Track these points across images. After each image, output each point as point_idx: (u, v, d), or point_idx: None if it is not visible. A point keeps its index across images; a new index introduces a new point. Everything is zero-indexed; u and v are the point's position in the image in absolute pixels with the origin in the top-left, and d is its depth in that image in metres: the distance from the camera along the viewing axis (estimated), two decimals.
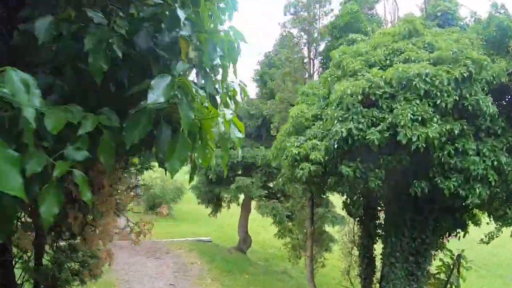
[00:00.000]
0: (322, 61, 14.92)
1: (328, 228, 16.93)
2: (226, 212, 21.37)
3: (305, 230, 15.35)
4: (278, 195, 17.70)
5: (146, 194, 25.52)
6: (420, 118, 7.70)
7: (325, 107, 9.61)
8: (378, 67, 8.61)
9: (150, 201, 25.34)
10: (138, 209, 26.29)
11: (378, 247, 11.78)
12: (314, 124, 9.55)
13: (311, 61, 15.30)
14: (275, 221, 16.49)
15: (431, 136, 7.50)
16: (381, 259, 10.98)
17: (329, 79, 9.70)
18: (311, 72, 15.21)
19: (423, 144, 7.52)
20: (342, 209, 12.91)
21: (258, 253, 23.20)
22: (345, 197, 11.39)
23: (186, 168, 2.29)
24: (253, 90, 20.87)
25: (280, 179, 10.70)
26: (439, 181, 8.09)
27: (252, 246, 21.44)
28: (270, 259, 22.31)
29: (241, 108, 18.50)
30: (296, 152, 8.80)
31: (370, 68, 8.65)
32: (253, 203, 20.11)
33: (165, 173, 2.24)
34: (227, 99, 2.87)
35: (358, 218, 12.30)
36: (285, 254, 19.03)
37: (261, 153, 16.08)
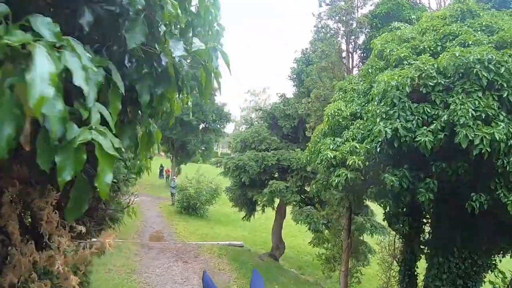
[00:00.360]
0: (361, 54, 13.50)
1: (366, 237, 15.44)
2: (262, 214, 20.33)
3: (341, 241, 13.94)
4: (314, 201, 16.33)
5: (180, 194, 25.03)
6: (483, 116, 6.20)
7: (366, 104, 8.26)
8: (428, 54, 7.14)
9: (184, 202, 24.72)
10: (172, 210, 25.95)
11: (421, 264, 10.27)
12: (352, 124, 8.26)
13: (350, 55, 13.88)
14: (310, 229, 15.15)
15: (497, 138, 5.97)
16: (423, 280, 9.42)
17: (370, 71, 8.33)
18: (350, 66, 13.79)
19: (488, 149, 6.00)
20: (383, 220, 11.45)
21: (292, 259, 21.94)
22: (388, 208, 9.86)
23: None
24: (289, 89, 19.69)
25: (314, 185, 9.40)
26: (502, 194, 6.53)
27: (286, 251, 20.25)
28: (304, 267, 20.97)
29: (277, 107, 17.40)
30: (332, 156, 7.54)
31: (418, 56, 7.19)
32: (289, 208, 18.91)
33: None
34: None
35: (401, 231, 10.77)
36: (320, 262, 17.73)
37: (296, 156, 14.87)
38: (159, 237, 20.02)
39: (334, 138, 8.10)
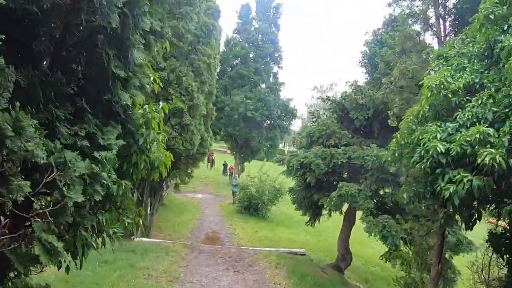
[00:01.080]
0: (453, 22, 10.10)
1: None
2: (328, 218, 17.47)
3: (427, 264, 10.63)
4: (392, 209, 13.06)
5: (241, 193, 22.91)
6: None
7: (487, 71, 5.18)
8: None
9: (245, 201, 22.57)
10: (232, 208, 23.95)
11: None
12: (469, 101, 5.20)
13: (441, 20, 10.43)
14: (385, 243, 11.94)
15: None
16: None
17: (486, 25, 5.22)
18: (442, 34, 10.37)
19: None
20: (487, 241, 8.12)
21: (359, 270, 18.64)
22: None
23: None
24: (360, 77, 16.51)
25: (404, 193, 6.35)
26: None
27: (354, 260, 17.12)
28: (371, 280, 17.65)
29: (347, 97, 14.38)
30: (442, 150, 4.56)
31: None
32: (359, 212, 15.82)
33: None
34: None
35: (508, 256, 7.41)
36: (390, 275, 14.43)
37: (372, 153, 11.80)
38: (214, 238, 18.05)
39: (441, 123, 5.15)
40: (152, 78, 4.45)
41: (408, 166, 5.85)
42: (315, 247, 20.03)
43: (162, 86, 5.38)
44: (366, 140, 13.41)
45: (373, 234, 12.30)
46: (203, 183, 31.61)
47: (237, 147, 31.94)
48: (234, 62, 32.91)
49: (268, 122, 32.14)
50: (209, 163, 38.15)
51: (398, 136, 6.25)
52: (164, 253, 12.95)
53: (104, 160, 3.09)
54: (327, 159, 12.06)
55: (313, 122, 16.52)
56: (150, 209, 15.05)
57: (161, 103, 4.92)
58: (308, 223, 17.21)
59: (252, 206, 22.64)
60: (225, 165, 37.53)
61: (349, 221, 16.60)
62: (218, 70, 23.67)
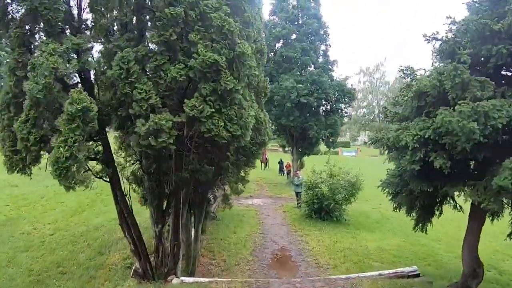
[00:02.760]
0: None
1: None
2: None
3: None
4: None
5: (309, 194, 17.54)
6: None
7: None
8: None
9: (315, 204, 17.18)
10: (298, 213, 18.61)
11: None
12: None
13: None
14: None
15: None
16: None
17: None
18: None
19: None
20: None
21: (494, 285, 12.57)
22: None
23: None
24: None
25: None
26: None
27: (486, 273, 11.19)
28: None
29: (475, 21, 8.52)
30: None
31: None
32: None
33: None
34: None
35: None
36: None
37: None
38: (284, 259, 12.86)
39: None
40: None
41: None
42: (413, 255, 14.22)
43: None
44: None
45: None
46: (259, 186, 26.54)
47: (293, 141, 26.59)
48: (276, 47, 27.75)
49: (325, 107, 26.53)
50: (262, 163, 33.06)
51: None
52: None
53: None
54: (480, 121, 6.41)
55: (406, 83, 10.81)
56: (194, 233, 10.19)
57: None
58: (418, 228, 11.50)
59: (324, 209, 17.20)
60: (280, 163, 32.31)
61: (477, 220, 10.67)
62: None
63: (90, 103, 5.56)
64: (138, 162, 8.27)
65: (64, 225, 15.04)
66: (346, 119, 29.60)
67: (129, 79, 5.93)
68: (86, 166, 6.20)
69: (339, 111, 26.45)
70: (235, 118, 6.07)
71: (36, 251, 12.39)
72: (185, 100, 5.92)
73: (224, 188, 10.10)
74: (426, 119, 8.51)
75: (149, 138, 5.66)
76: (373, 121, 71.25)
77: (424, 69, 10.35)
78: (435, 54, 10.30)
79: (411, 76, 10.61)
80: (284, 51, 26.33)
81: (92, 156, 6.40)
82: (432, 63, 10.43)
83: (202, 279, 8.78)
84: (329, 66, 27.04)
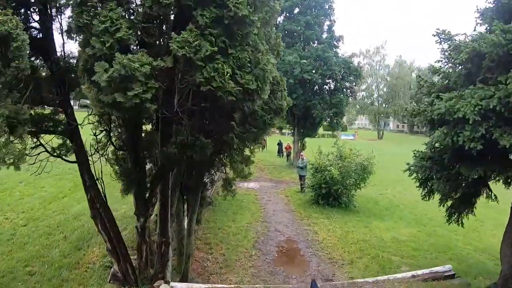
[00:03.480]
0: None
1: None
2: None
3: None
4: None
5: (316, 177, 15.57)
6: None
7: None
8: None
9: (323, 189, 15.24)
10: (302, 199, 16.63)
11: None
12: None
13: None
14: None
15: None
16: None
17: None
18: None
19: None
20: None
21: None
22: None
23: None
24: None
25: None
26: None
27: None
28: None
29: None
30: None
31: None
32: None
33: None
34: None
35: None
36: None
37: None
38: (292, 253, 10.93)
39: None
40: None
41: None
42: (432, 247, 12.49)
43: None
44: None
45: None
46: (258, 168, 24.45)
47: (294, 120, 24.48)
48: (278, 20, 25.30)
49: (330, 85, 24.34)
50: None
51: None
52: None
53: None
54: None
55: (452, 45, 8.72)
56: (188, 225, 8.12)
57: None
58: (452, 220, 9.61)
59: (332, 194, 15.29)
60: (280, 144, 30.32)
61: None
62: None
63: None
64: (105, 131, 6.08)
65: (40, 213, 12.94)
66: (351, 99, 27.39)
67: (89, 2, 3.78)
68: (27, 137, 4.09)
69: (344, 90, 24.29)
70: (248, 65, 3.95)
71: (4, 246, 10.29)
72: (172, 34, 3.78)
73: (225, 170, 8.02)
74: (485, 87, 6.48)
75: (115, 93, 3.56)
76: (372, 104, 69.15)
77: (465, 34, 8.25)
78: (480, 17, 8.31)
79: (449, 42, 8.49)
80: (287, 24, 23.99)
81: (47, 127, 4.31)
82: (475, 28, 8.39)
83: (196, 285, 6.80)
84: (335, 42, 24.74)
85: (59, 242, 10.63)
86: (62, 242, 10.64)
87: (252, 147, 7.32)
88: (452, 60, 7.28)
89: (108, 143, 6.10)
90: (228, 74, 3.84)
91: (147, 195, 5.96)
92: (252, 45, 4.10)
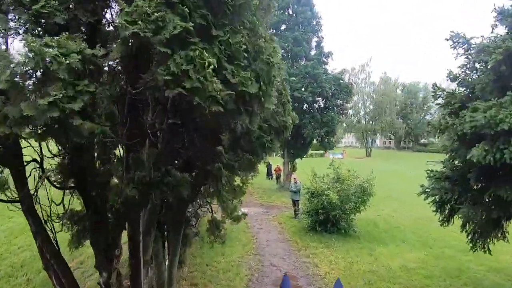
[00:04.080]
0: None
1: None
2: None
3: None
4: None
5: (312, 203, 14.23)
6: None
7: None
8: None
9: (320, 215, 13.90)
10: (297, 226, 15.17)
11: None
12: None
13: None
14: None
15: None
16: None
17: None
18: None
19: None
20: None
21: None
22: None
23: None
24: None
25: None
26: None
27: None
28: None
29: None
30: None
31: None
32: None
33: None
34: None
35: None
36: None
37: None
38: None
39: None
40: None
41: None
42: (443, 272, 11.27)
43: None
44: None
45: None
46: (247, 192, 22.92)
47: (284, 141, 23.27)
48: None
49: (317, 105, 23.30)
50: None
51: None
52: None
53: None
54: None
55: (477, 48, 7.75)
56: (168, 270, 6.62)
57: None
58: (476, 247, 8.38)
59: (330, 220, 13.94)
60: (269, 166, 28.96)
61: None
62: None
63: None
64: (33, 161, 4.43)
65: (3, 250, 11.25)
66: (342, 117, 26.46)
67: None
68: None
69: (335, 107, 23.32)
70: (245, 55, 2.59)
71: None
72: (120, 2, 2.41)
73: (211, 209, 6.57)
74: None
75: (21, 103, 2.14)
76: (359, 122, 68.88)
77: (482, 36, 7.25)
78: (498, 18, 7.36)
79: (465, 46, 7.47)
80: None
81: None
82: (492, 29, 7.41)
83: None
84: (324, 59, 23.96)
85: (21, 286, 9.01)
86: (24, 286, 9.02)
87: (244, 177, 5.93)
88: (479, 64, 6.22)
89: (42, 179, 4.42)
90: (211, 67, 2.46)
91: (110, 243, 4.49)
92: (249, 27, 2.78)
